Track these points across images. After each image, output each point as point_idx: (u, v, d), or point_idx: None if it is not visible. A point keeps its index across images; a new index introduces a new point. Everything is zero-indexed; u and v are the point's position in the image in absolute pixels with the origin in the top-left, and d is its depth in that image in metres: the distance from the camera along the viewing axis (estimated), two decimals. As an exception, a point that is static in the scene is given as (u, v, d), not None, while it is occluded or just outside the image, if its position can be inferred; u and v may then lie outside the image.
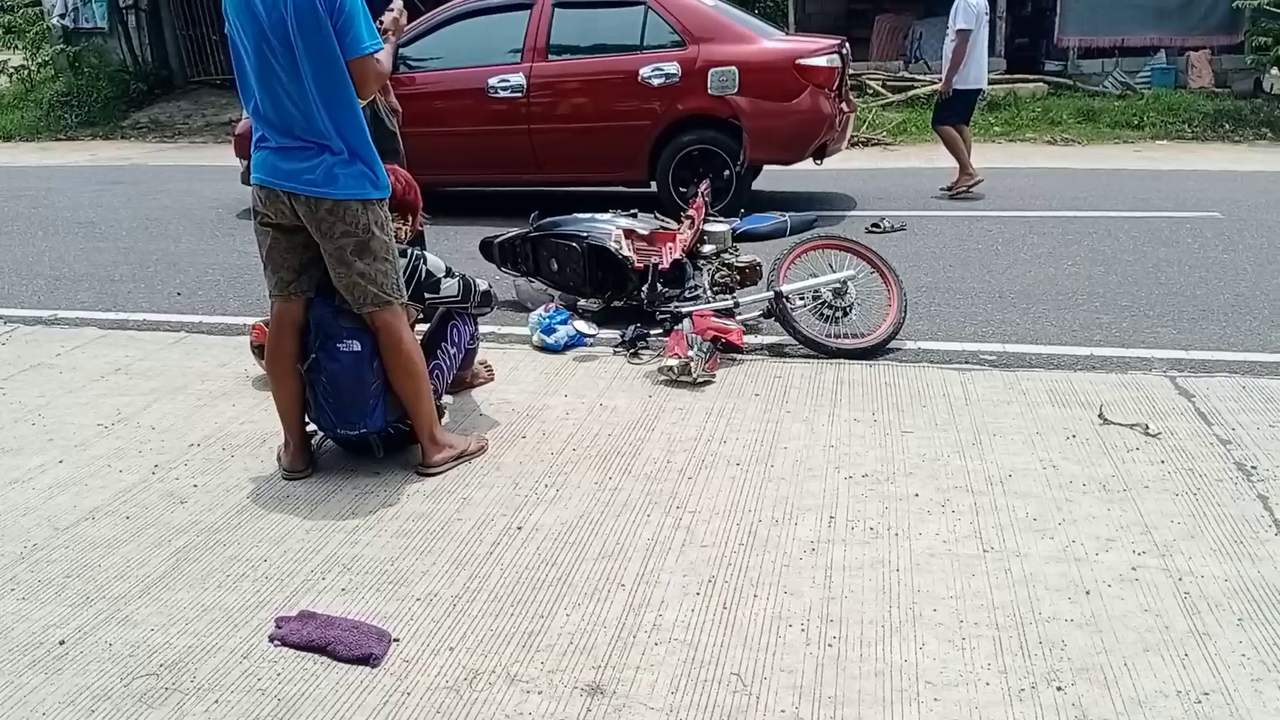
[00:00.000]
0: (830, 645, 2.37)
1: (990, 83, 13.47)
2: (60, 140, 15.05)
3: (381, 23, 3.31)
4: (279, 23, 2.89)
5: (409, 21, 4.18)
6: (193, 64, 16.74)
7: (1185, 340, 4.56)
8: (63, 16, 17.07)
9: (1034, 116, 12.73)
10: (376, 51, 2.99)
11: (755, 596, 2.57)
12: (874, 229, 6.88)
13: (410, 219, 3.54)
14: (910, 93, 13.66)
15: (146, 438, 3.65)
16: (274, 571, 2.74)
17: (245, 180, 8.08)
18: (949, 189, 8.19)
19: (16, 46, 17.40)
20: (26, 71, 17.28)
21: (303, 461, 3.32)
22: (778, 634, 2.42)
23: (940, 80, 8.34)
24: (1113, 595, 2.54)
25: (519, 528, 2.95)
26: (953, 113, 8.16)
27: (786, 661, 2.31)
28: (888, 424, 3.61)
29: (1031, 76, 13.99)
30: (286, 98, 2.96)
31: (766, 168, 7.89)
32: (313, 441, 3.42)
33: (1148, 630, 2.39)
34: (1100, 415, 3.61)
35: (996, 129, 12.27)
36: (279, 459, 3.38)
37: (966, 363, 4.28)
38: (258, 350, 4.12)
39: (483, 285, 3.66)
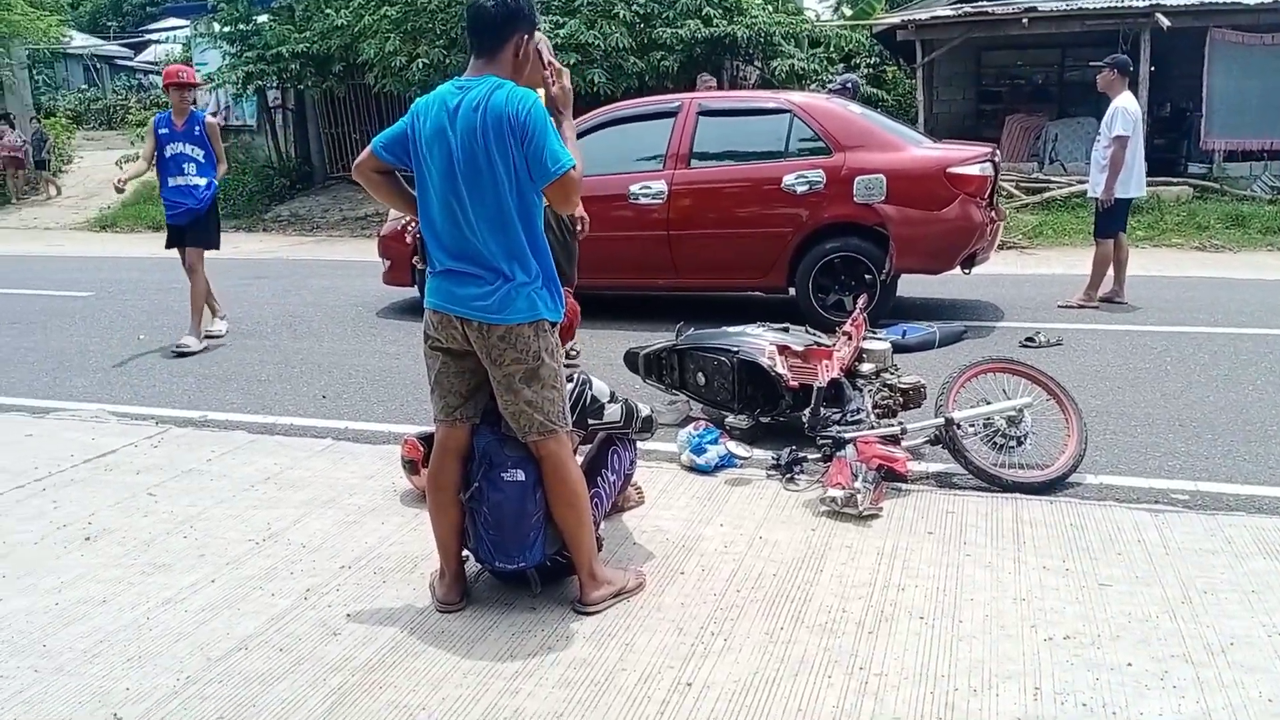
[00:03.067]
0: None
1: (1132, 186, 13.11)
2: (206, 232, 15.73)
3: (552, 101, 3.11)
4: (469, 151, 2.84)
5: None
6: (333, 161, 17.48)
7: (1404, 483, 4.11)
8: (214, 114, 18.10)
9: (1179, 221, 12.25)
10: (572, 167, 2.90)
11: (965, 787, 2.29)
12: (1028, 343, 6.55)
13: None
14: (1045, 195, 13.32)
15: (297, 557, 3.57)
16: (433, 723, 2.57)
17: (386, 280, 8.29)
18: (1067, 303, 7.94)
19: (171, 143, 18.44)
20: (178, 167, 18.26)
21: (458, 594, 3.17)
22: (997, 838, 2.13)
23: (1088, 184, 8.04)
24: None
25: (689, 684, 2.72)
26: (1114, 222, 7.85)
27: None
28: (1082, 574, 3.29)
29: (1175, 179, 13.51)
30: (468, 224, 2.89)
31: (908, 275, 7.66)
32: (468, 572, 3.27)
33: None
34: (1325, 572, 3.23)
35: (1140, 233, 11.80)
36: (432, 589, 3.24)
37: (1157, 502, 3.93)
38: (408, 465, 4.04)
39: (645, 410, 3.52)
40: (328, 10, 14.83)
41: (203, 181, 7.14)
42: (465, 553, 3.23)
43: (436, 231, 2.97)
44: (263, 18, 16.35)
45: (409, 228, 7.65)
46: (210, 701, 2.69)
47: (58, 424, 5.32)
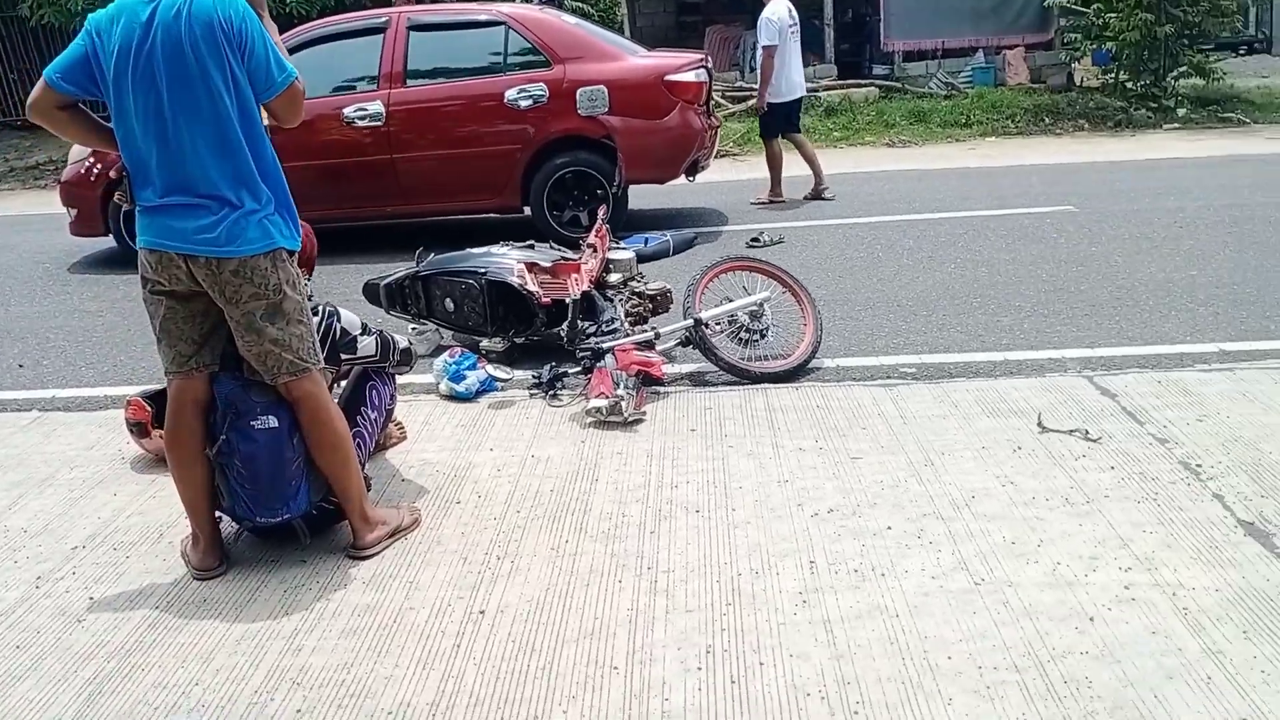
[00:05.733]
0: (856, 713, 2.20)
1: (825, 89, 13.89)
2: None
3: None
4: (176, 66, 2.53)
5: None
6: (-11, 105, 15.39)
7: (1087, 337, 4.65)
8: None
9: (869, 120, 13.12)
10: (297, 76, 2.66)
11: (762, 664, 2.38)
12: (754, 243, 6.84)
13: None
14: (749, 102, 13.85)
15: (19, 544, 3.16)
16: (211, 698, 2.36)
17: (74, 231, 7.41)
18: (759, 199, 8.53)
19: None
20: None
21: (215, 557, 2.92)
22: (798, 706, 2.23)
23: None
24: (1116, 619, 2.47)
25: (481, 611, 2.66)
26: (775, 125, 8.35)
27: (820, 738, 2.13)
28: (834, 451, 3.49)
29: (863, 81, 14.45)
30: (183, 150, 2.59)
31: (634, 187, 7.74)
32: (223, 532, 3.02)
33: (1163, 655, 2.32)
34: (1039, 424, 3.60)
35: (836, 134, 12.57)
36: (185, 557, 2.97)
37: (889, 377, 4.23)
38: (135, 428, 3.66)
39: (402, 342, 3.35)
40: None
41: None
42: (219, 513, 2.98)
43: (144, 163, 2.64)
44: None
45: (94, 170, 6.88)
46: (-63, 720, 2.35)
47: None
